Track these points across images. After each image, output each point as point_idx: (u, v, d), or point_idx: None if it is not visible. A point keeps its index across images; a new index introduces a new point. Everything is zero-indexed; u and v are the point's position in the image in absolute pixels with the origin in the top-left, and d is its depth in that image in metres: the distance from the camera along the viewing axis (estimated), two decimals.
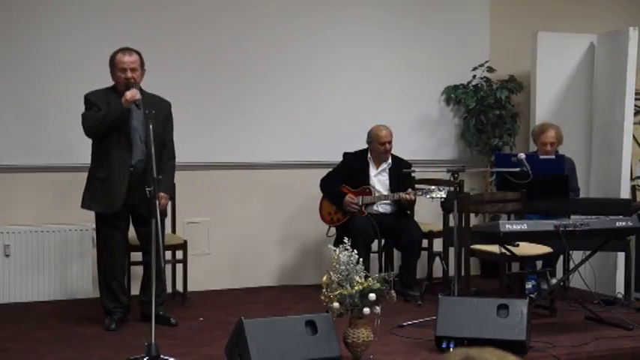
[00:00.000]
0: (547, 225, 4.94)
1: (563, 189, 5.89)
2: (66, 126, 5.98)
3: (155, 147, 4.99)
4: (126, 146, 4.99)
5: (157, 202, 4.39)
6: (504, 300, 4.63)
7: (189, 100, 6.00)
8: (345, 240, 4.40)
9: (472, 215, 5.83)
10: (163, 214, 5.07)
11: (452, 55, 7.05)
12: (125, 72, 5.00)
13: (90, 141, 5.12)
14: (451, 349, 4.42)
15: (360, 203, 6.07)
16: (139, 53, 5.08)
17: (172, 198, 5.88)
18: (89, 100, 5.07)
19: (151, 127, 4.53)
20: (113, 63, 5.06)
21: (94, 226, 5.94)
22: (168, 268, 5.70)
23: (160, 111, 5.14)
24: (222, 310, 5.62)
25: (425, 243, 6.30)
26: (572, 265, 5.76)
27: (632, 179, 6.58)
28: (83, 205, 5.19)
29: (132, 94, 4.90)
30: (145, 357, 4.15)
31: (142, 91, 5.01)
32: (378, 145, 6.14)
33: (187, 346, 4.67)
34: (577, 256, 5.61)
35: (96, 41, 6.04)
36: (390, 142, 6.14)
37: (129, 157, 5.00)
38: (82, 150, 5.98)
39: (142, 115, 5.01)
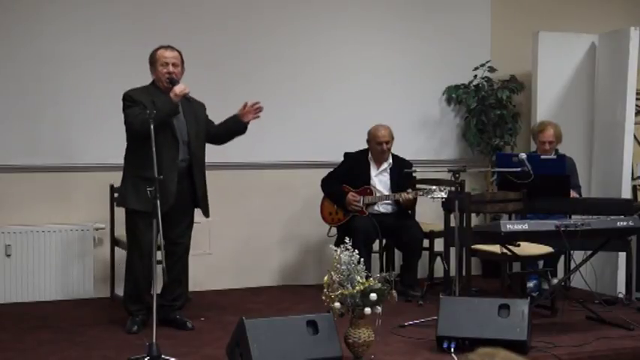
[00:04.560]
0: (548, 225, 4.93)
1: (565, 189, 5.89)
2: (66, 126, 6.01)
3: (198, 148, 5.04)
4: (173, 145, 4.90)
5: (158, 202, 4.36)
6: (505, 300, 4.63)
7: None
8: (346, 240, 4.39)
9: (473, 215, 5.83)
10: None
11: (453, 55, 7.05)
12: (167, 66, 4.94)
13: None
14: (453, 350, 4.43)
15: (362, 203, 6.07)
16: (179, 51, 5.05)
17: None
18: (132, 97, 4.93)
19: (152, 127, 4.51)
20: (154, 59, 5.00)
21: (95, 226, 5.98)
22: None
23: (200, 113, 5.14)
24: (224, 310, 5.61)
25: (426, 243, 6.29)
26: (573, 265, 5.78)
27: (633, 179, 6.58)
28: (125, 204, 5.05)
29: (181, 88, 4.83)
30: (146, 357, 4.15)
31: None
32: (375, 144, 6.14)
33: (188, 346, 4.66)
34: (578, 256, 5.62)
35: (97, 41, 6.05)
36: (387, 143, 6.13)
37: (177, 155, 4.90)
38: (82, 150, 6.02)
39: (183, 115, 4.99)
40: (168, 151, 4.88)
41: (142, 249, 4.98)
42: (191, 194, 5.07)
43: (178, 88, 4.84)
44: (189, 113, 5.05)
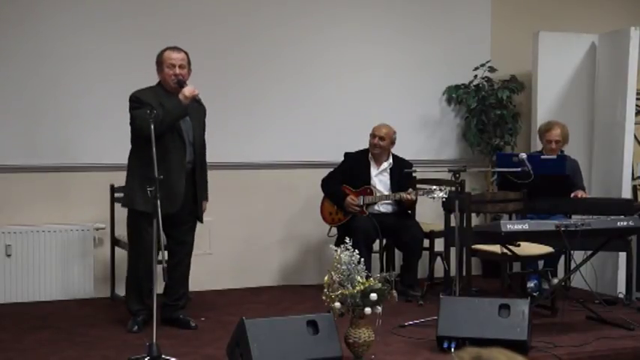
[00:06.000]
0: (548, 225, 4.94)
1: (565, 189, 5.89)
2: (66, 126, 6.00)
3: (201, 150, 5.06)
4: (181, 147, 4.87)
5: (158, 202, 4.34)
6: (506, 300, 4.63)
7: None
8: (347, 240, 4.40)
9: (473, 215, 5.83)
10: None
11: (453, 55, 7.05)
12: (174, 68, 4.91)
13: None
14: (453, 349, 4.43)
15: (362, 203, 6.07)
16: (186, 52, 5.02)
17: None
18: (139, 99, 4.86)
19: (152, 127, 4.49)
20: (161, 60, 4.96)
21: (95, 226, 5.98)
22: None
23: (201, 115, 5.11)
24: (224, 310, 5.61)
25: (426, 243, 6.29)
26: (573, 265, 5.77)
27: (633, 179, 6.58)
28: (132, 205, 4.99)
29: (190, 90, 4.82)
30: (146, 357, 4.15)
31: None
32: (371, 137, 6.16)
33: (188, 346, 4.66)
34: (578, 256, 5.61)
35: (97, 40, 6.04)
36: (382, 139, 6.12)
37: (184, 157, 4.88)
38: (82, 150, 6.02)
39: (189, 116, 4.96)
40: (176, 152, 4.86)
41: (145, 249, 4.95)
42: (194, 195, 5.07)
43: (188, 90, 4.82)
44: (195, 115, 5.03)
